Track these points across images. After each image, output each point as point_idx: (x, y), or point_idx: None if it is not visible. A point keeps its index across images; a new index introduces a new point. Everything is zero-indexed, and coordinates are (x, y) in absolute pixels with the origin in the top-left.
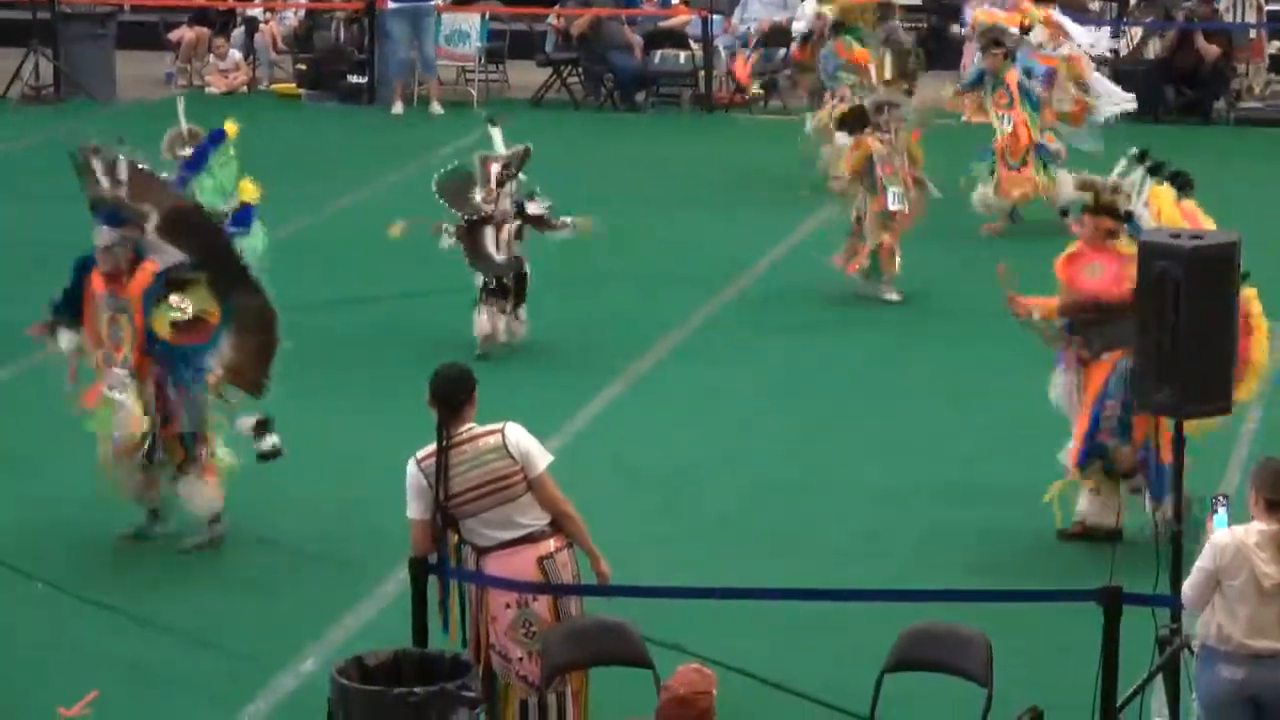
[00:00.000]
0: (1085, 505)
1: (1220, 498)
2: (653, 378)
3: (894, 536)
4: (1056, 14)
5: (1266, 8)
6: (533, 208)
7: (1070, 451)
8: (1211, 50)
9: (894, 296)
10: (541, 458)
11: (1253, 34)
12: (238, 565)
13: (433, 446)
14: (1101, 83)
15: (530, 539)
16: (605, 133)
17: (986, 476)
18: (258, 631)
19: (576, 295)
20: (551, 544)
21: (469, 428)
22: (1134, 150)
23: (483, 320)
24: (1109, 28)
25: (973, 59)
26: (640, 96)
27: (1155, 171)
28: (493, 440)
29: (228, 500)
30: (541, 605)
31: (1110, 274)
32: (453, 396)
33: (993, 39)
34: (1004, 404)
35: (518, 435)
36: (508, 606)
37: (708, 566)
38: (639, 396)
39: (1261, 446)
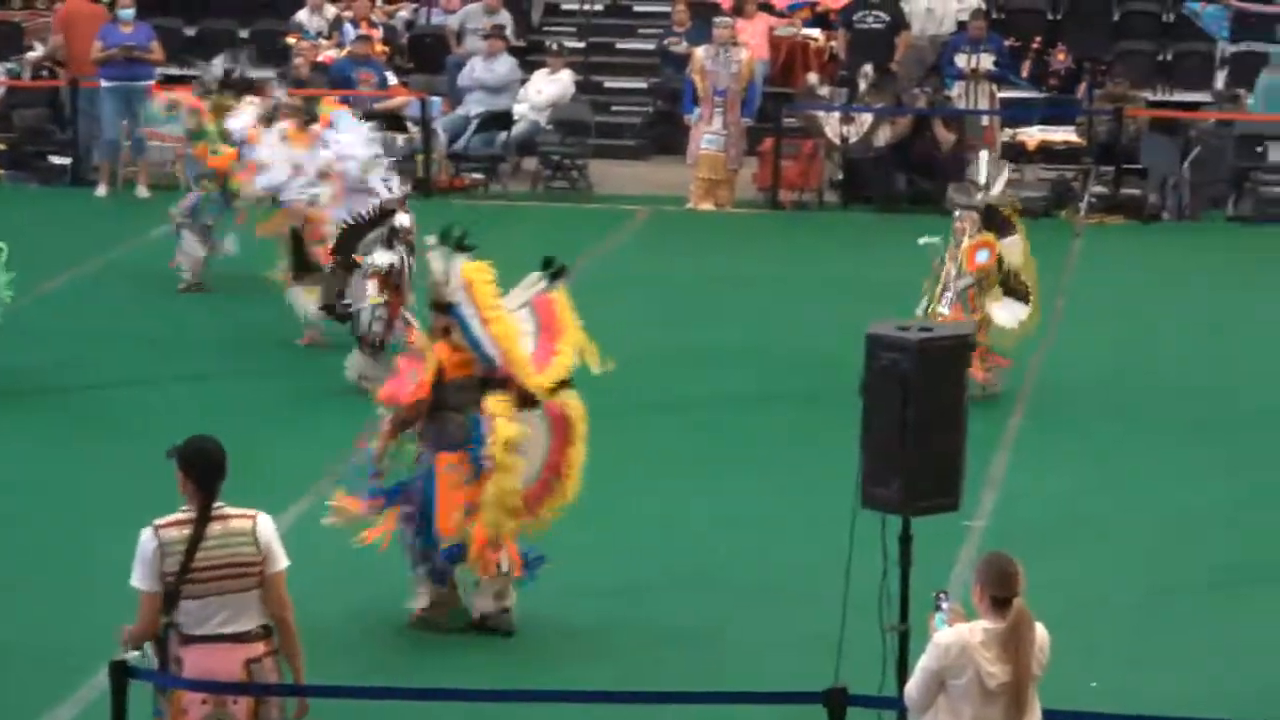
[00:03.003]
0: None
1: (941, 594)
2: None
3: (622, 635)
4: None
5: (999, 95)
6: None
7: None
8: (948, 137)
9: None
10: (282, 557)
11: (985, 121)
12: None
13: (176, 516)
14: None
15: (241, 638)
16: None
17: (721, 570)
18: None
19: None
20: (261, 647)
21: (220, 505)
22: (436, 235)
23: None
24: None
25: None
26: None
27: (463, 249)
28: (245, 525)
29: None
30: (241, 709)
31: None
32: (211, 468)
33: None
34: (741, 485)
35: (268, 527)
36: (204, 702)
37: (406, 663)
38: None
39: (992, 541)
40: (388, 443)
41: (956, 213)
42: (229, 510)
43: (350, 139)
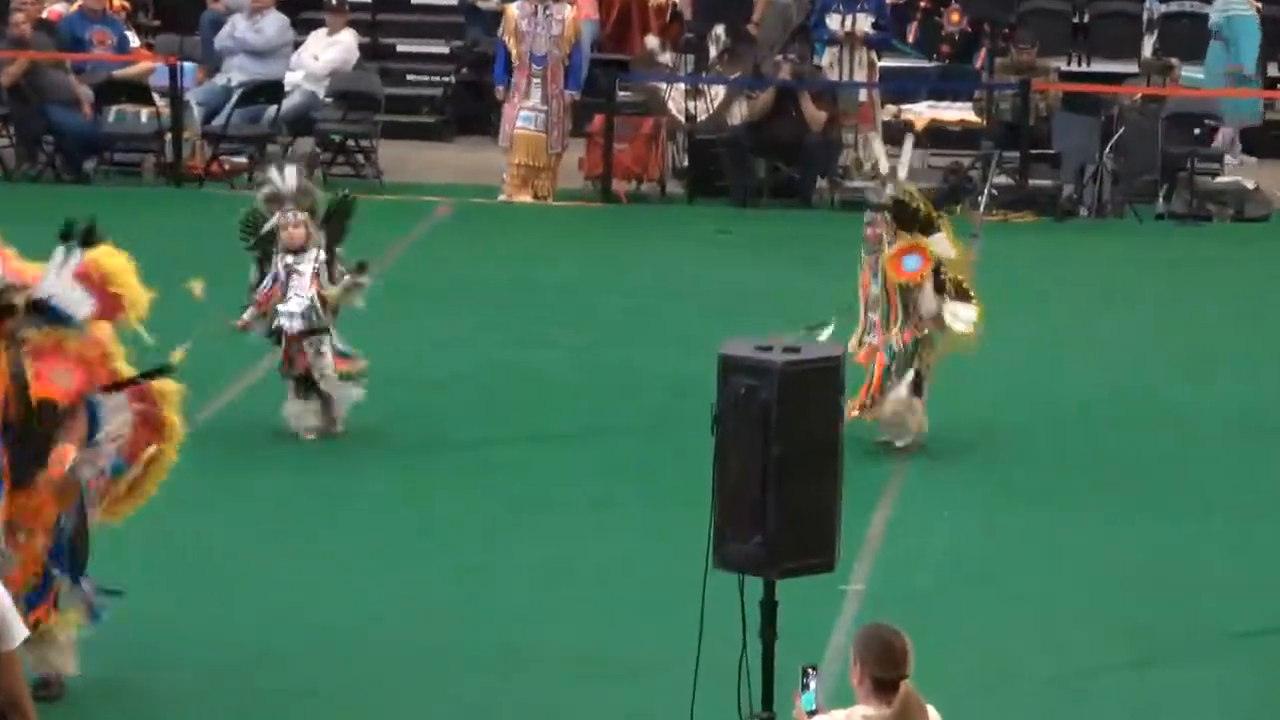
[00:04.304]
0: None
1: (810, 669)
2: None
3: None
4: None
5: (880, 64)
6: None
7: None
8: (818, 116)
9: None
10: (18, 631)
11: (863, 96)
12: None
13: None
14: None
15: None
16: (44, 210)
17: (538, 643)
18: None
19: None
20: None
21: None
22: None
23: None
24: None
25: None
26: (90, 164)
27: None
28: None
29: None
30: None
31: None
32: None
33: None
34: (564, 540)
35: (3, 593)
36: None
37: None
38: None
39: (874, 609)
40: None
41: (866, 216)
42: None
43: None
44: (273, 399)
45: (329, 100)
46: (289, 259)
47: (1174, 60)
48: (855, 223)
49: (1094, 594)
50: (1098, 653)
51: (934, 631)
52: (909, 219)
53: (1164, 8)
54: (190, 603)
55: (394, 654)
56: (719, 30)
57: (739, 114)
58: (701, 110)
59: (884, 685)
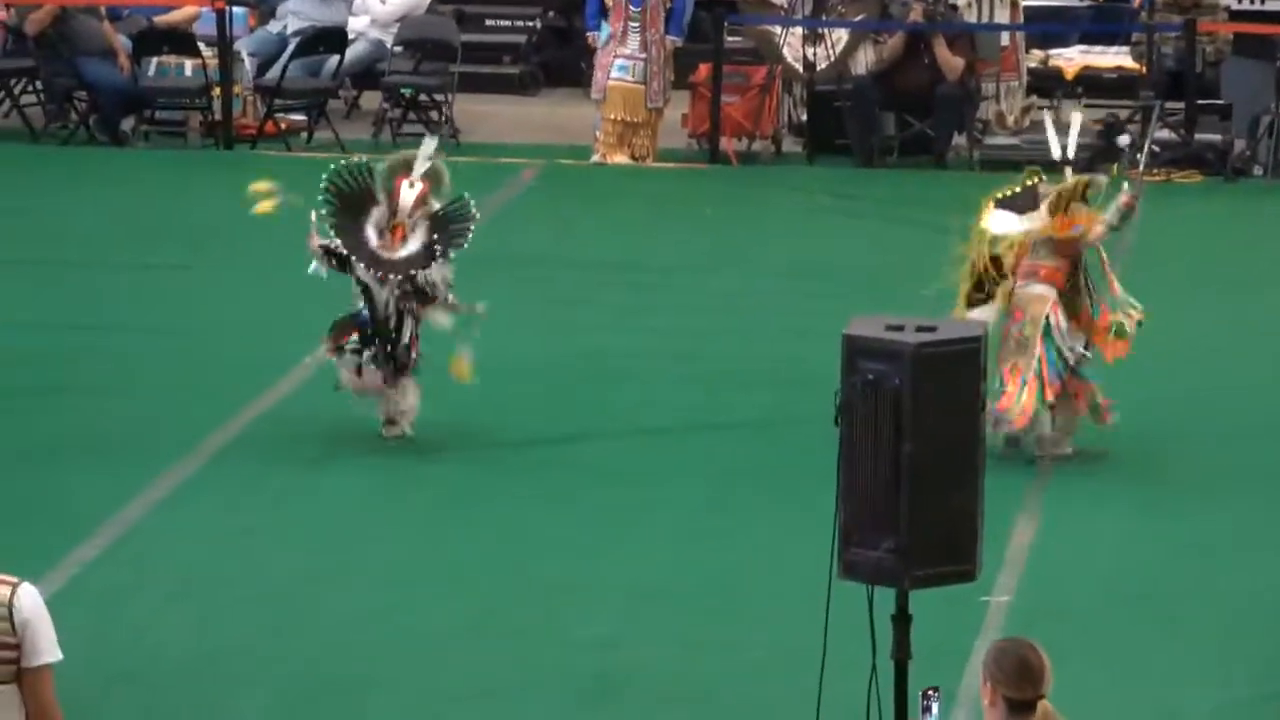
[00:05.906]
0: None
1: (931, 691)
2: (138, 532)
3: None
4: None
5: (1025, 3)
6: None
7: None
8: (955, 63)
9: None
10: (51, 648)
11: (1005, 39)
12: None
13: None
14: None
15: None
16: (77, 176)
17: (636, 667)
18: None
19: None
20: None
21: None
22: None
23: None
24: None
25: None
26: (128, 124)
27: None
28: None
29: None
30: None
31: None
32: None
33: None
34: (666, 546)
35: (33, 603)
36: None
37: None
38: (118, 562)
39: (1018, 623)
40: None
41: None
42: None
43: None
44: (326, 392)
45: (398, 49)
46: None
47: None
48: (997, 184)
49: (1266, 618)
50: (1264, 687)
51: (1084, 654)
52: None
53: None
54: (257, 623)
55: (470, 683)
56: None
57: (864, 61)
58: (821, 57)
59: (1018, 707)
